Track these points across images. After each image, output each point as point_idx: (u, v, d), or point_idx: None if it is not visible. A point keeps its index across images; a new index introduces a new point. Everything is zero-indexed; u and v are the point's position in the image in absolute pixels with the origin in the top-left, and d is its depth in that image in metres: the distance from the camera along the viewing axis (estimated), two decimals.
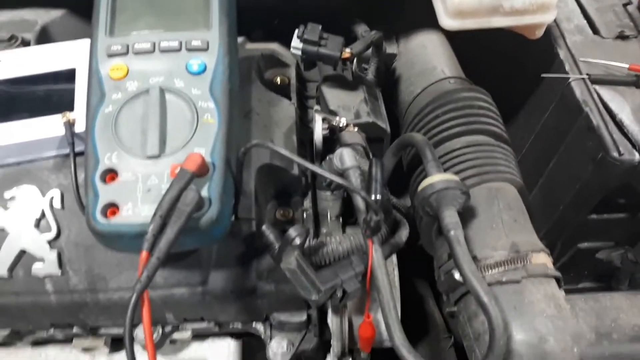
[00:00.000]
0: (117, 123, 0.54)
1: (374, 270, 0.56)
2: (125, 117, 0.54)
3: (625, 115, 0.59)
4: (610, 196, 0.63)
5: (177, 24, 0.59)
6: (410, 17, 0.77)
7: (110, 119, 0.54)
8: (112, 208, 0.50)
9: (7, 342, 0.69)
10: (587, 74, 0.63)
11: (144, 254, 0.46)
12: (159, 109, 0.54)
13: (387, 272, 0.56)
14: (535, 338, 0.56)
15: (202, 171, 0.51)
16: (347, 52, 0.70)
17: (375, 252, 0.57)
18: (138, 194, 0.51)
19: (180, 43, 0.58)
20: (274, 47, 0.79)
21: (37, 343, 0.70)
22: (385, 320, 0.55)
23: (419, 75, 0.81)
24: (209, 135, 0.53)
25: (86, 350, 0.68)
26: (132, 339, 0.47)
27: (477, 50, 0.82)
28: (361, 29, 0.83)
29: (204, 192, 0.50)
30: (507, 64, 0.77)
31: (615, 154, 0.57)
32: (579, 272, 0.79)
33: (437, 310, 0.85)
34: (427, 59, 0.83)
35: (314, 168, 0.53)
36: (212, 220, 0.50)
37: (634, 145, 0.57)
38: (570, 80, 0.64)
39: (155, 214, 0.47)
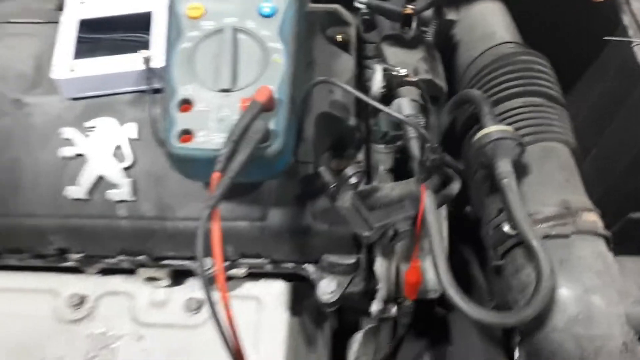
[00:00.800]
0: (194, 58, 0.58)
1: (425, 214, 0.59)
2: (200, 53, 0.58)
3: None
4: None
5: None
6: None
7: (187, 54, 0.58)
8: (187, 135, 0.55)
9: (77, 268, 0.74)
10: None
11: (217, 174, 0.50)
12: (231, 48, 0.58)
13: (437, 218, 0.59)
14: (581, 290, 0.57)
15: (270, 105, 0.54)
16: (409, 8, 0.71)
17: (428, 197, 0.59)
18: (211, 123, 0.55)
19: None
20: (337, 7, 0.81)
21: (104, 271, 0.76)
22: (434, 261, 0.57)
23: (478, 40, 0.82)
24: (277, 73, 0.57)
25: (149, 280, 0.73)
26: (203, 257, 0.50)
27: (538, 18, 0.82)
28: None
29: (271, 125, 0.54)
30: (569, 30, 0.77)
31: None
32: (629, 245, 0.78)
33: (480, 275, 0.86)
34: (486, 25, 0.84)
35: (377, 104, 0.55)
36: (277, 151, 0.54)
37: None
38: (633, 44, 0.64)
39: (228, 139, 0.51)
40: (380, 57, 0.77)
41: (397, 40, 0.78)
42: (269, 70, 0.57)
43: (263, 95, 0.53)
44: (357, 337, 0.77)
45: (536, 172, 0.65)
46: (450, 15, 0.91)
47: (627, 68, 0.65)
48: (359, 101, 0.75)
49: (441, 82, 0.74)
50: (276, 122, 0.54)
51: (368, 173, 0.72)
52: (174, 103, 0.56)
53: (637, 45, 0.64)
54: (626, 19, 0.67)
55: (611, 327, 0.56)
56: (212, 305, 0.47)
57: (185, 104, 0.56)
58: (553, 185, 0.64)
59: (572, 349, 0.56)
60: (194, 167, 0.55)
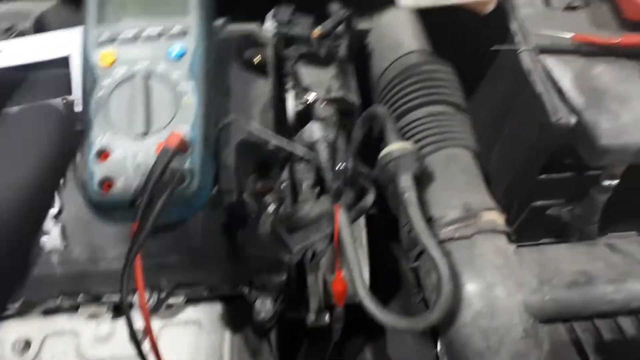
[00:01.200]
0: (109, 106, 0.60)
1: (339, 232, 0.64)
2: (115, 101, 0.60)
3: (566, 82, 0.65)
4: (556, 157, 0.69)
5: (158, 12, 0.65)
6: None
7: (103, 102, 0.60)
8: (107, 182, 0.58)
9: (20, 312, 0.75)
10: (535, 45, 0.69)
11: (135, 224, 0.54)
12: (143, 92, 0.60)
13: (351, 233, 0.64)
14: (484, 285, 0.63)
15: (183, 148, 0.57)
16: (317, 31, 0.75)
17: (341, 216, 0.64)
18: (129, 169, 0.58)
19: (161, 30, 0.64)
20: (253, 27, 0.84)
21: (47, 312, 0.76)
22: (350, 275, 0.62)
23: (388, 50, 0.87)
24: (189, 114, 0.60)
25: (91, 317, 0.75)
26: (128, 303, 0.53)
27: (444, 26, 0.87)
28: (334, 8, 0.88)
29: (187, 166, 0.57)
30: (469, 38, 0.83)
31: (554, 119, 0.63)
32: (536, 229, 0.86)
33: (409, 271, 0.93)
34: (395, 34, 0.89)
35: (283, 144, 0.59)
36: (193, 192, 0.57)
37: (571, 110, 0.63)
38: (519, 51, 0.69)
39: (143, 188, 0.54)
40: (294, 76, 0.81)
41: (311, 59, 0.82)
42: (181, 111, 0.60)
43: (174, 141, 0.56)
44: None
45: (440, 178, 0.71)
46: (363, 24, 0.95)
47: (516, 73, 0.71)
48: (279, 121, 0.79)
49: (353, 98, 0.79)
50: (191, 162, 0.58)
51: (294, 190, 0.76)
52: (93, 152, 0.58)
53: (522, 51, 0.70)
54: (514, 26, 0.73)
55: (512, 317, 0.63)
56: (133, 336, 0.51)
57: (104, 153, 0.58)
58: (455, 189, 0.70)
59: (479, 340, 0.63)
60: (116, 214, 0.58)
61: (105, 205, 0.58)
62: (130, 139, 0.59)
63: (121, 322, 0.75)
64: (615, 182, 0.69)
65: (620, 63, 0.67)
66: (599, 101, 0.64)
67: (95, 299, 0.73)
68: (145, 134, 0.59)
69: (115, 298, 0.73)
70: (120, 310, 0.76)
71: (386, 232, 0.88)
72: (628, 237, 0.76)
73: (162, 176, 0.55)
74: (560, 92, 0.65)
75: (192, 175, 0.57)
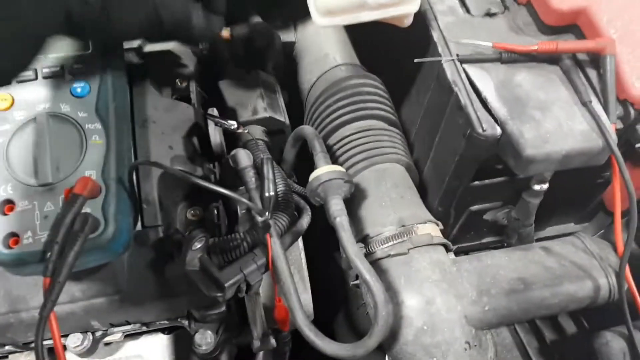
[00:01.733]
0: (8, 154, 0.56)
1: (274, 261, 0.61)
2: (16, 147, 0.56)
3: (489, 92, 0.65)
4: (487, 163, 0.69)
5: (58, 47, 0.61)
6: (303, 6, 0.80)
7: (2, 150, 0.56)
8: (13, 238, 0.53)
9: None
10: (457, 54, 0.68)
11: (47, 280, 0.50)
12: (47, 136, 0.56)
13: (286, 261, 0.62)
14: (423, 302, 0.63)
15: (94, 193, 0.54)
16: (226, 32, 0.72)
17: (274, 245, 0.61)
18: (36, 221, 0.54)
19: (63, 67, 0.60)
20: (172, 46, 0.80)
21: None
22: (288, 304, 0.60)
23: (314, 63, 0.85)
24: (98, 156, 0.56)
25: None
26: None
27: (368, 38, 0.86)
28: (254, 20, 0.85)
29: (98, 213, 0.54)
30: (395, 49, 0.82)
31: (480, 130, 0.63)
32: (477, 231, 0.86)
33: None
34: (320, 47, 0.87)
35: (203, 183, 0.56)
36: (108, 238, 0.54)
37: (496, 120, 0.63)
38: (441, 61, 0.69)
39: (52, 241, 0.50)
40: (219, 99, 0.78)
41: (235, 79, 0.79)
42: (89, 153, 0.56)
43: (83, 186, 0.52)
44: None
45: (373, 196, 0.70)
46: (289, 37, 0.93)
47: (441, 83, 0.70)
48: (205, 147, 0.76)
49: (281, 117, 0.77)
50: (104, 209, 0.54)
51: (228, 213, 0.73)
52: None
53: (445, 62, 0.69)
54: (435, 35, 0.72)
55: (453, 330, 0.62)
56: None
57: (7, 205, 0.54)
58: (389, 204, 0.69)
59: (422, 357, 0.62)
60: (27, 268, 0.54)
61: (13, 262, 0.53)
62: (36, 188, 0.55)
63: None
64: (545, 186, 0.69)
65: (540, 69, 0.67)
66: (522, 110, 0.64)
67: (25, 346, 0.68)
68: (52, 182, 0.55)
69: (47, 342, 0.69)
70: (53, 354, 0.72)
71: (328, 243, 0.87)
72: (564, 235, 0.77)
73: (72, 225, 0.51)
74: (484, 102, 0.65)
75: (106, 220, 0.54)
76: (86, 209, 0.53)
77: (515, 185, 0.74)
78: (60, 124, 0.57)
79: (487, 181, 0.74)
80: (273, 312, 0.70)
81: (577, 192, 0.79)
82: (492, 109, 0.64)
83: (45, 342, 0.69)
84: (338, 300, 0.93)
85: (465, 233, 0.86)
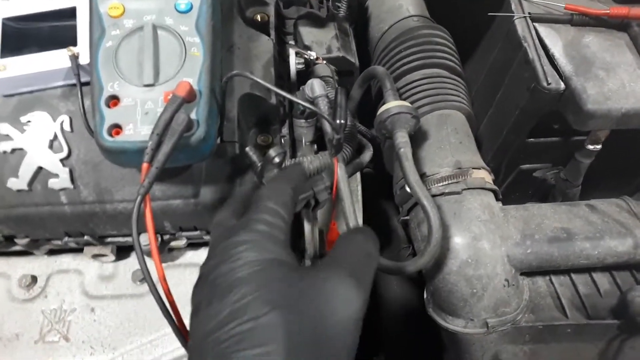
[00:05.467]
0: (117, 56, 0.62)
1: (338, 183, 0.67)
2: (124, 51, 0.63)
3: (557, 49, 0.68)
4: (545, 122, 0.73)
5: None
6: None
7: (111, 52, 0.63)
8: (116, 128, 0.60)
9: (25, 251, 0.80)
10: (529, 13, 0.72)
11: (145, 165, 0.56)
12: (152, 44, 0.62)
13: (348, 185, 0.67)
14: (470, 238, 0.68)
15: (191, 97, 0.60)
16: None
17: (340, 169, 0.67)
18: (137, 116, 0.60)
19: None
20: None
21: (53, 252, 0.82)
22: (346, 221, 0.66)
23: (387, 13, 0.89)
24: (196, 66, 0.62)
25: (95, 256, 0.80)
26: (138, 238, 0.57)
27: None
28: None
29: (193, 115, 0.60)
30: (465, 5, 0.85)
31: (545, 84, 0.66)
32: (523, 192, 0.90)
33: (399, 226, 0.97)
34: None
35: (285, 94, 0.62)
36: (200, 139, 0.60)
37: (560, 76, 0.67)
38: (514, 18, 0.72)
39: (153, 132, 0.57)
40: (296, 35, 0.83)
41: (312, 19, 0.84)
42: (188, 63, 0.62)
43: (183, 89, 0.59)
44: None
45: (433, 138, 0.74)
46: None
47: (510, 39, 0.74)
48: (280, 77, 0.81)
49: (352, 58, 0.81)
50: (197, 112, 0.60)
51: (293, 145, 0.79)
52: (102, 99, 0.61)
53: (517, 18, 0.73)
54: None
55: (495, 267, 0.67)
56: (147, 277, 0.55)
57: (113, 100, 0.61)
58: (448, 148, 0.74)
59: (464, 287, 0.67)
60: (125, 157, 0.61)
61: (114, 150, 0.60)
62: (139, 87, 0.61)
63: (124, 263, 0.80)
64: (598, 146, 0.72)
65: (608, 33, 0.70)
66: (587, 69, 0.67)
67: (100, 240, 0.76)
68: (154, 83, 0.61)
69: (120, 239, 0.77)
70: (123, 252, 0.80)
71: (378, 190, 0.92)
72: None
73: (170, 122, 0.58)
74: (551, 59, 0.68)
75: (199, 124, 0.60)
76: (182, 111, 0.59)
77: (568, 146, 0.78)
78: (165, 35, 0.63)
79: (542, 139, 0.77)
80: (326, 235, 0.76)
81: (628, 161, 0.82)
82: (558, 65, 0.68)
83: (118, 239, 0.78)
84: (382, 243, 0.98)
85: (511, 193, 0.90)
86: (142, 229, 0.57)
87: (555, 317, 0.71)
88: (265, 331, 0.37)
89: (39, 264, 0.81)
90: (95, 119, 0.61)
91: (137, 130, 0.60)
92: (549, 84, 0.66)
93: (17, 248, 0.78)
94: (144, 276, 0.56)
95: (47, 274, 0.81)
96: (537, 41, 0.69)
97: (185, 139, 0.59)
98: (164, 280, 0.58)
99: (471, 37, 0.86)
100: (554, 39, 0.69)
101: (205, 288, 0.43)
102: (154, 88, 0.61)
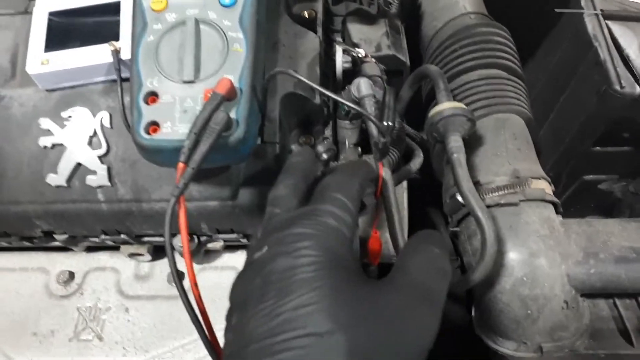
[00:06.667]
0: (158, 51, 0.60)
1: (383, 190, 0.63)
2: (165, 46, 0.60)
3: (632, 50, 0.62)
4: (614, 129, 0.66)
5: None
6: None
7: (152, 47, 0.60)
8: (153, 126, 0.58)
9: (64, 248, 0.79)
10: (601, 10, 0.65)
11: (181, 165, 0.54)
12: (194, 39, 0.60)
13: (394, 191, 0.63)
14: (527, 254, 0.62)
15: (231, 95, 0.57)
16: None
17: (385, 174, 0.63)
18: (176, 114, 0.58)
19: None
20: None
21: (91, 249, 0.81)
22: (391, 230, 0.62)
23: (442, 10, 0.84)
24: (238, 63, 0.59)
25: (132, 255, 0.79)
26: (171, 238, 0.55)
27: None
28: None
29: (233, 114, 0.57)
30: (529, 2, 0.79)
31: (618, 87, 0.60)
32: (584, 204, 0.83)
33: (447, 235, 0.92)
34: None
35: (330, 94, 0.58)
36: (239, 139, 0.57)
37: (636, 79, 0.60)
38: (584, 15, 0.66)
39: (190, 131, 0.54)
40: (344, 33, 0.79)
41: (361, 16, 0.80)
42: (230, 59, 0.60)
43: (224, 87, 0.56)
44: None
45: (489, 144, 0.69)
46: None
47: (579, 38, 0.67)
48: (326, 76, 0.78)
49: (403, 56, 0.77)
50: (237, 111, 0.57)
51: (336, 147, 0.75)
52: (141, 96, 0.59)
53: (588, 15, 0.66)
54: None
55: (553, 287, 0.61)
56: (176, 281, 0.52)
57: (152, 96, 0.59)
58: (505, 155, 0.68)
59: (517, 308, 0.62)
60: (162, 156, 0.59)
61: (151, 148, 0.58)
62: (179, 84, 0.59)
63: (160, 263, 0.78)
64: None
65: None
66: None
67: (137, 239, 0.75)
68: (194, 80, 0.59)
69: (156, 239, 0.75)
70: (160, 252, 0.78)
71: (424, 197, 0.87)
72: None
73: (209, 121, 0.55)
74: (625, 60, 0.62)
75: (238, 123, 0.57)
76: (222, 109, 0.56)
77: (639, 157, 0.71)
78: (207, 30, 0.61)
79: (609, 148, 0.70)
80: (367, 243, 0.71)
81: None
82: (634, 67, 0.61)
83: (155, 239, 0.76)
84: None
85: (571, 205, 0.83)
86: (176, 231, 0.55)
87: (618, 345, 0.64)
88: (328, 353, 0.32)
89: (77, 261, 0.81)
90: (133, 116, 0.59)
91: (175, 128, 0.57)
92: (622, 87, 0.60)
93: (56, 244, 0.78)
94: (174, 282, 0.54)
95: (85, 271, 0.80)
96: (609, 40, 0.63)
97: (224, 138, 0.56)
98: (195, 286, 0.55)
99: (533, 36, 0.79)
100: (629, 38, 0.63)
101: (257, 280, 0.38)
102: (193, 85, 0.59)
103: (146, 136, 0.58)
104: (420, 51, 0.89)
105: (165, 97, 0.59)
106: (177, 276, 0.55)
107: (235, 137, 0.57)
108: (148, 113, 0.58)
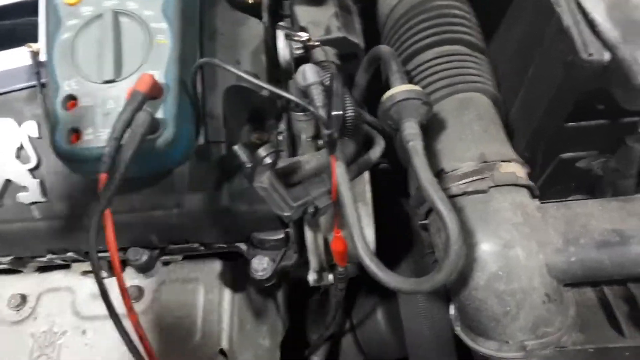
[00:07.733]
0: (74, 49, 0.55)
1: (338, 185, 0.57)
2: (82, 43, 0.55)
3: (598, 13, 0.56)
4: (586, 102, 0.60)
5: None
6: None
7: (68, 45, 0.55)
8: (75, 133, 0.52)
9: (13, 270, 0.74)
10: None
11: (103, 175, 0.48)
12: (112, 33, 0.54)
13: (351, 187, 0.57)
14: (500, 245, 0.56)
15: (155, 93, 0.51)
16: None
17: (339, 169, 0.57)
18: (97, 118, 0.52)
19: None
20: None
21: (43, 269, 0.76)
22: (349, 231, 0.56)
23: None
24: (162, 56, 0.54)
25: (85, 273, 0.74)
26: (97, 259, 0.50)
27: None
28: None
29: (159, 114, 0.51)
30: None
31: (584, 55, 0.54)
32: (565, 185, 0.77)
33: (419, 228, 0.86)
34: None
35: (263, 84, 0.52)
36: (168, 141, 0.51)
37: (604, 45, 0.54)
38: None
39: (110, 137, 0.48)
40: (291, 17, 0.73)
41: None
42: (153, 53, 0.54)
43: (145, 84, 0.50)
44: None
45: (452, 127, 0.63)
46: None
47: (540, 6, 0.61)
48: (273, 67, 0.71)
49: (356, 38, 0.71)
50: (165, 110, 0.52)
51: (292, 142, 0.70)
52: (59, 100, 0.53)
53: None
54: None
55: (532, 279, 0.56)
56: (109, 310, 0.47)
57: (70, 101, 0.53)
58: (470, 138, 0.62)
59: (495, 305, 0.56)
60: (87, 166, 0.53)
61: (74, 158, 0.52)
62: (99, 85, 0.53)
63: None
64: None
65: None
66: (638, 34, 0.55)
67: (87, 256, 0.69)
68: (115, 79, 0.53)
69: (106, 255, 0.70)
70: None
71: (398, 186, 0.81)
72: None
73: (131, 122, 0.49)
74: (592, 24, 0.56)
75: (166, 123, 0.52)
76: (146, 109, 0.50)
77: (617, 130, 0.65)
78: (126, 22, 0.55)
79: (583, 123, 0.65)
80: (331, 245, 0.66)
81: None
82: (600, 31, 0.55)
83: (106, 254, 0.71)
84: (402, 249, 0.88)
85: (550, 186, 0.77)
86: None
87: (609, 337, 0.59)
88: None
89: (29, 283, 0.76)
90: (51, 124, 0.53)
91: (98, 134, 0.52)
92: (589, 55, 0.54)
93: (3, 266, 0.72)
94: (106, 306, 0.49)
95: (38, 293, 0.75)
96: (573, 4, 0.57)
97: (150, 142, 0.51)
98: (131, 309, 0.50)
99: (495, 6, 0.73)
100: (595, 1, 0.57)
101: None
102: (115, 84, 0.53)
103: (66, 146, 0.52)
104: (380, 32, 0.83)
105: (85, 100, 0.53)
106: (108, 298, 0.50)
107: (163, 140, 0.51)
108: (67, 119, 0.53)
